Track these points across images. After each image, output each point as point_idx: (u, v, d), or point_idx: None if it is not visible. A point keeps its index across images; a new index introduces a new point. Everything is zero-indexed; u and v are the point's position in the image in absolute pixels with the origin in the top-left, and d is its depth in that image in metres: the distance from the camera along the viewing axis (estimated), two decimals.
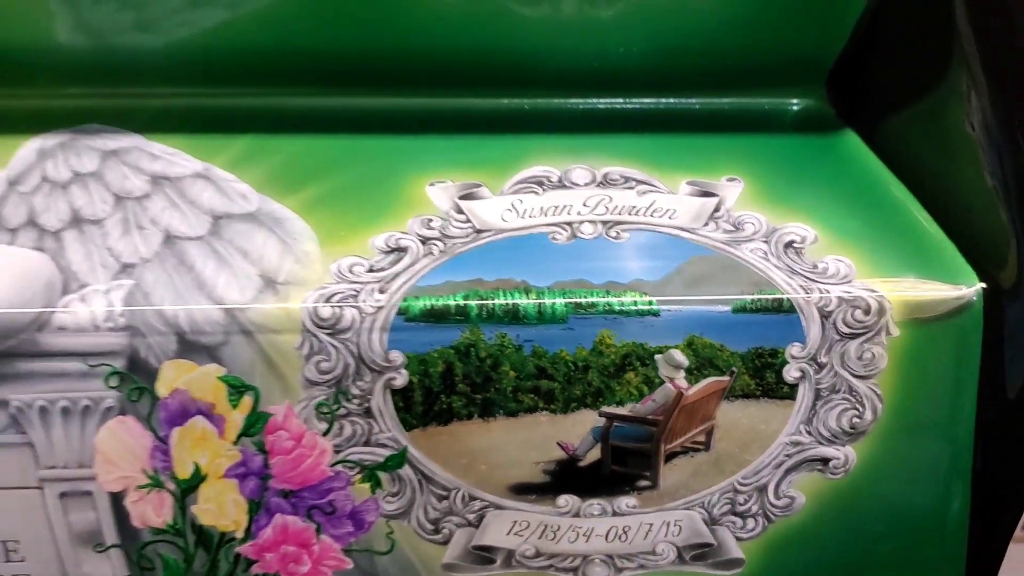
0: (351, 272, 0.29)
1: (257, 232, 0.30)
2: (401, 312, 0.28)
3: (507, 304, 0.28)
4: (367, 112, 0.33)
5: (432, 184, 0.31)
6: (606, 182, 0.32)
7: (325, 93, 0.33)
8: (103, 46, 0.33)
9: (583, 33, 0.33)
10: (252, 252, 0.29)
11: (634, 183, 0.32)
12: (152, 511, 0.30)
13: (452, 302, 0.28)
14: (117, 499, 0.29)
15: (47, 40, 0.33)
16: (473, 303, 0.28)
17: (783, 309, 0.29)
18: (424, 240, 0.30)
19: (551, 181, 0.32)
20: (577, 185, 0.32)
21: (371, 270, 0.29)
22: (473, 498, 0.30)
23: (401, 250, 0.30)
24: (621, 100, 0.34)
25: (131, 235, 0.29)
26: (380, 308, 0.28)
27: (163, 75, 0.33)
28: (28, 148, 0.32)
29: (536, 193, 0.31)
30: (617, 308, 0.29)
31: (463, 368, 0.29)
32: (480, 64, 0.33)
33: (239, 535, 0.30)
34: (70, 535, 0.30)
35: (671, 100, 0.35)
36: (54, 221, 0.30)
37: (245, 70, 0.33)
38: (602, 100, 0.34)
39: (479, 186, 0.31)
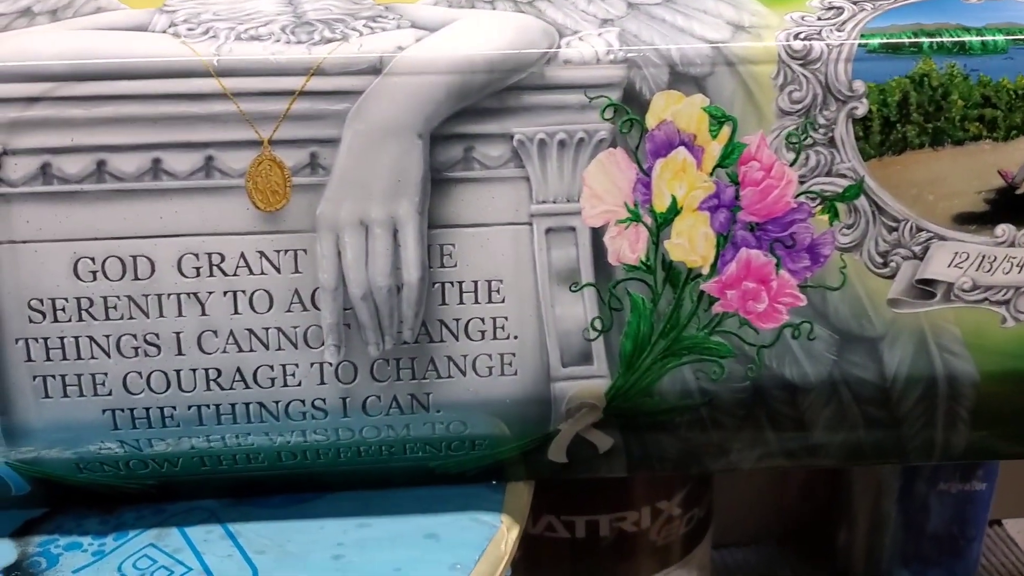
0: (804, 20, 0.32)
1: (706, 1, 0.33)
2: (862, 44, 0.31)
3: (954, 38, 0.32)
4: None
5: None
6: None
7: None
8: None
9: None
10: (710, 10, 0.32)
11: None
12: (628, 247, 0.32)
13: (907, 37, 0.31)
14: (597, 235, 0.32)
15: None
16: (924, 38, 0.31)
17: None
18: (854, 2, 0.33)
19: None
20: None
21: (819, 19, 0.32)
22: (920, 229, 0.32)
23: (838, 8, 0.33)
24: None
25: (596, 3, 0.33)
26: (844, 42, 0.31)
27: None
28: None
29: None
30: None
31: (917, 97, 0.31)
32: None
33: (705, 271, 0.32)
34: (550, 273, 0.32)
35: None
36: None
37: None
38: None
39: None
